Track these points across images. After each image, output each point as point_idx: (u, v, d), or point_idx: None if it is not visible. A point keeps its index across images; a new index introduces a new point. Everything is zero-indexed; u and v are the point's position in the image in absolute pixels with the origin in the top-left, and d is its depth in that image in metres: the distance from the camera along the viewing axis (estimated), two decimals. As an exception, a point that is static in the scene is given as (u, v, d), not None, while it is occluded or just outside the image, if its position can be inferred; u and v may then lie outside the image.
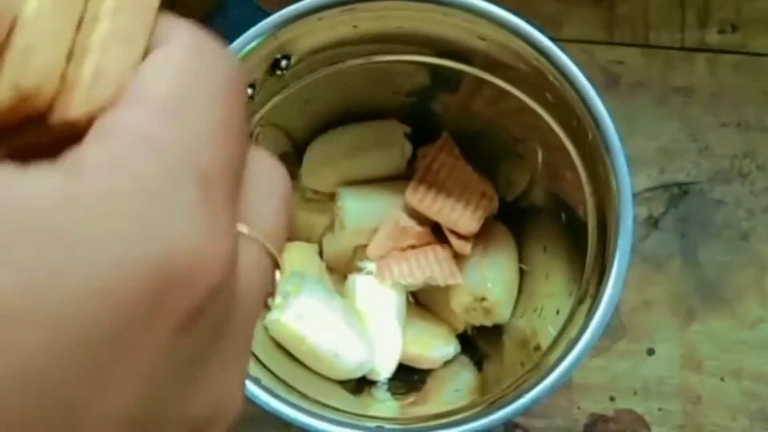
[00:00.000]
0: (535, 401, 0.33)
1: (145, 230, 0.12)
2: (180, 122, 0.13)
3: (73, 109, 0.14)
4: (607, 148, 0.34)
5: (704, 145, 0.55)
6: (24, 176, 0.12)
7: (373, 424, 0.34)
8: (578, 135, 0.37)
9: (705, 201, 0.54)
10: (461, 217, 0.45)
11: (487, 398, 0.36)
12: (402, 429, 0.34)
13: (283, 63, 0.39)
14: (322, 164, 0.47)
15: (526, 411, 0.33)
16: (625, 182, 0.34)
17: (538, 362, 0.37)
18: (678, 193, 0.55)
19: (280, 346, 0.44)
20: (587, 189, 0.38)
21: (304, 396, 0.36)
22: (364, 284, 0.45)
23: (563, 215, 0.42)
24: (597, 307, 0.34)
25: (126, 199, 0.12)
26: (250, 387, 0.33)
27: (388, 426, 0.34)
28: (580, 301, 0.38)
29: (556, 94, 0.37)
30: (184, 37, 0.15)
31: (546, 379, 0.34)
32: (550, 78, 0.36)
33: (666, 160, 0.55)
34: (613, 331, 0.52)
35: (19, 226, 0.11)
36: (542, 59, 0.35)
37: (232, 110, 0.14)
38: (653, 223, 0.54)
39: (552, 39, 0.51)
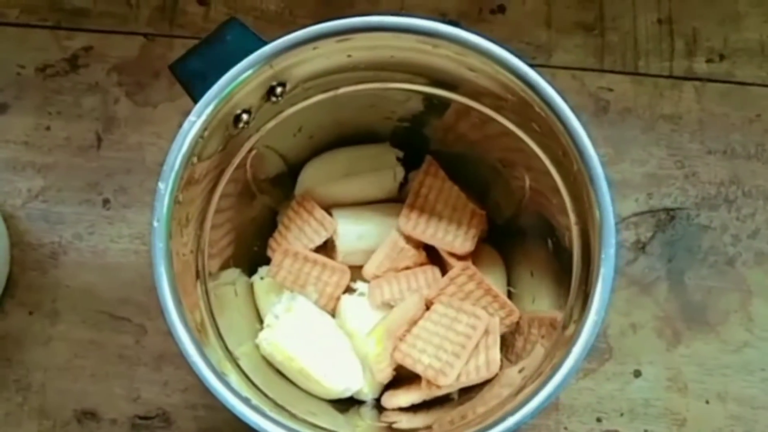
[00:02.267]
0: (519, 423, 0.34)
1: None
2: None
3: None
4: (592, 179, 0.35)
5: (691, 171, 0.56)
6: None
7: (359, 445, 0.35)
8: (564, 165, 0.38)
9: (691, 226, 0.55)
10: (456, 237, 0.46)
11: (470, 421, 0.37)
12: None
13: (279, 90, 0.40)
14: (316, 186, 0.48)
15: (508, 434, 0.34)
16: (608, 213, 0.35)
17: (523, 385, 0.38)
18: (665, 218, 0.56)
19: (270, 365, 0.44)
20: (572, 217, 0.39)
21: (293, 416, 0.36)
22: (355, 305, 0.45)
23: (549, 241, 0.43)
24: (581, 333, 0.35)
25: None
26: (240, 407, 0.34)
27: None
28: (564, 326, 0.38)
29: (542, 125, 0.38)
30: None
31: (530, 402, 0.35)
32: (537, 109, 0.37)
33: (653, 185, 0.56)
34: (600, 353, 0.53)
35: None
36: (529, 91, 0.36)
37: None
38: (641, 247, 0.55)
39: (541, 66, 0.53)
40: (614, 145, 0.56)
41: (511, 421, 0.34)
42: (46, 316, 0.54)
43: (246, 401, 0.34)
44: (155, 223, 0.35)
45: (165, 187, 0.36)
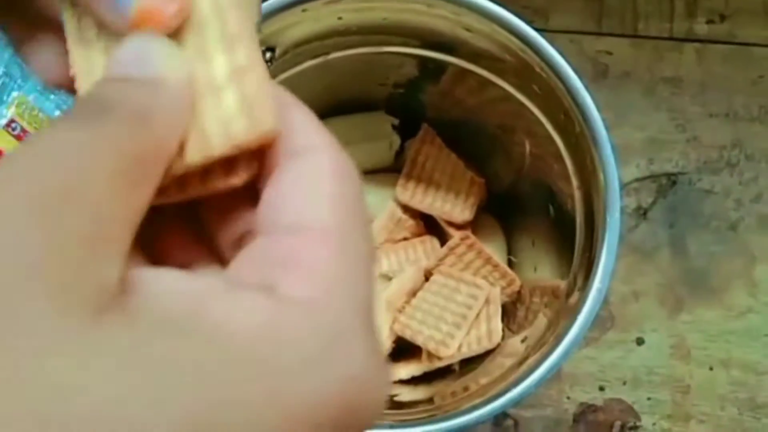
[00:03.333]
0: (523, 395, 0.33)
1: (333, 366, 0.14)
2: (349, 258, 0.15)
3: (241, 135, 0.16)
4: (595, 140, 0.34)
5: (692, 135, 0.55)
6: (234, 300, 0.14)
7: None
8: (566, 127, 0.37)
9: (693, 191, 0.54)
10: (454, 206, 0.45)
11: (473, 392, 0.36)
12: (393, 424, 0.34)
13: (268, 55, 0.38)
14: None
15: (514, 404, 0.33)
16: (612, 174, 0.34)
17: (527, 355, 0.37)
18: (666, 183, 0.55)
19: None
20: (575, 181, 0.38)
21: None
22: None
23: (551, 209, 0.42)
24: (585, 301, 0.34)
25: (320, 338, 0.14)
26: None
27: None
28: (567, 295, 0.38)
29: (543, 86, 0.36)
30: (329, 158, 0.16)
31: (534, 372, 0.34)
32: (537, 70, 0.36)
33: (654, 150, 0.55)
34: (602, 321, 0.53)
35: (234, 352, 0.13)
36: (529, 51, 0.35)
37: (370, 237, 0.17)
38: (642, 213, 0.54)
39: (539, 30, 0.51)
40: (614, 110, 0.55)
41: (515, 392, 0.33)
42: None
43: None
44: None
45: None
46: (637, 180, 0.55)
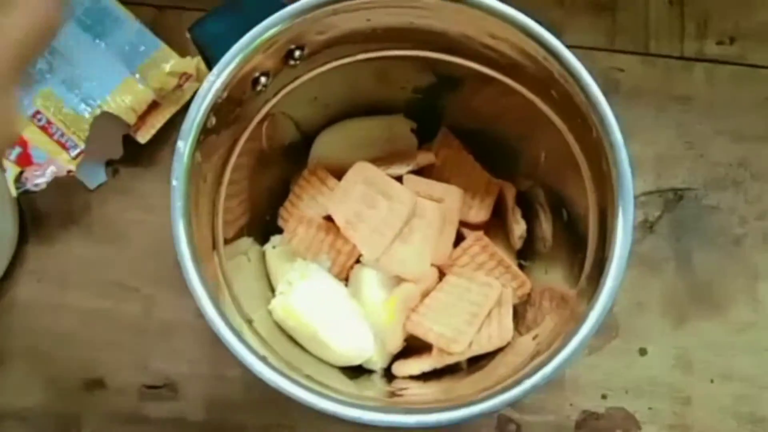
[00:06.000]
0: (534, 388, 0.34)
1: None
2: None
3: None
4: (611, 144, 0.35)
5: (700, 152, 0.56)
6: None
7: (373, 404, 0.35)
8: (582, 132, 0.38)
9: (699, 207, 0.56)
10: (471, 207, 0.46)
11: (485, 387, 0.37)
12: (402, 410, 0.34)
13: (297, 53, 0.39)
14: (329, 155, 0.48)
15: (524, 397, 0.34)
16: (626, 176, 0.35)
17: (536, 352, 0.38)
18: (673, 198, 0.56)
19: (282, 332, 0.44)
20: (589, 186, 0.39)
21: (308, 377, 0.37)
22: (368, 274, 0.45)
23: (565, 213, 0.43)
24: (597, 298, 0.35)
25: None
26: (257, 365, 0.34)
27: (388, 407, 0.35)
28: (579, 295, 0.38)
29: (561, 92, 0.38)
30: None
31: (544, 368, 0.34)
32: (557, 76, 0.37)
33: (662, 166, 0.56)
34: (606, 330, 0.54)
35: None
36: (550, 58, 0.36)
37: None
38: (649, 227, 0.55)
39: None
40: (624, 126, 0.56)
41: (526, 384, 0.34)
42: (55, 285, 0.54)
43: (263, 360, 0.34)
44: (174, 182, 0.35)
45: (184, 146, 0.36)
46: (645, 194, 0.56)
